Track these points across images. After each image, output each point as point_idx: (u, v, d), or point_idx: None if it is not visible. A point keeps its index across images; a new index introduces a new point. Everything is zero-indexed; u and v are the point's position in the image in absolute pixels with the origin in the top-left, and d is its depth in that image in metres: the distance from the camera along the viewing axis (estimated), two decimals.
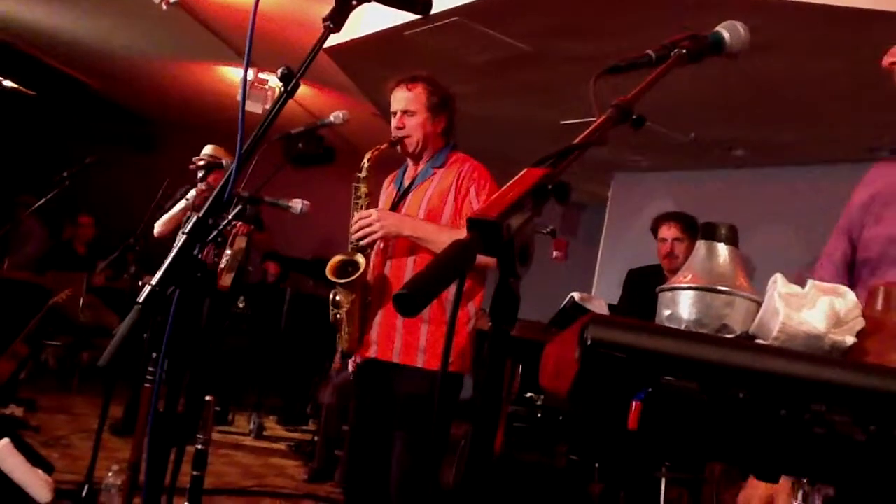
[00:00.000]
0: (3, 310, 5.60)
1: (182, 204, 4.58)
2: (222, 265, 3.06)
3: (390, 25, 4.55)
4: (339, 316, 2.78)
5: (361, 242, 2.72)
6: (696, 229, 4.17)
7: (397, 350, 2.72)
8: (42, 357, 6.87)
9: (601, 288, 7.27)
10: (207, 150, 4.70)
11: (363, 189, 2.81)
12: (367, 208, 2.78)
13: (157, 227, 4.62)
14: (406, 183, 2.90)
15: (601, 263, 7.59)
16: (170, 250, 1.30)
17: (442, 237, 2.64)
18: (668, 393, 0.94)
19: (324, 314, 2.84)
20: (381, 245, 2.83)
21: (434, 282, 0.83)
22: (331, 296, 2.80)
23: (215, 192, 1.38)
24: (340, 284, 2.70)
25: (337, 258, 2.74)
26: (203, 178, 4.61)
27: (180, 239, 1.33)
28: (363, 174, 2.80)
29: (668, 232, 4.18)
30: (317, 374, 6.58)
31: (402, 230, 2.71)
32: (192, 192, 4.55)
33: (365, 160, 2.80)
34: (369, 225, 2.68)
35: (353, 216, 2.76)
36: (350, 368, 3.00)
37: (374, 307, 2.81)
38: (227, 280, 3.08)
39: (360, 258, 2.70)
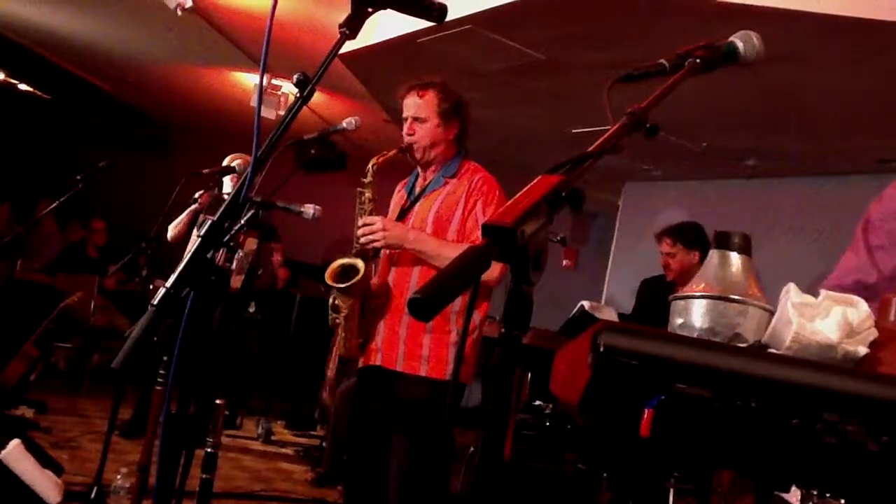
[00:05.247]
0: (14, 311, 5.63)
1: (191, 207, 4.63)
2: (232, 267, 3.07)
3: (404, 32, 4.57)
4: (337, 321, 2.78)
5: (363, 248, 2.73)
6: (688, 236, 4.16)
7: (400, 358, 2.73)
8: (52, 359, 6.89)
9: (611, 296, 7.26)
10: (228, 160, 4.75)
11: (367, 194, 2.80)
12: (372, 214, 2.78)
13: (170, 232, 4.66)
14: (417, 190, 2.89)
15: (611, 272, 7.58)
16: (181, 254, 1.31)
17: (444, 253, 2.65)
18: (680, 401, 0.94)
19: None
20: (388, 254, 2.84)
21: (448, 287, 0.84)
22: (330, 300, 2.79)
23: (230, 196, 1.39)
24: (338, 289, 2.70)
25: (337, 263, 2.74)
26: (216, 185, 4.66)
27: (195, 241, 1.34)
28: (368, 179, 2.80)
29: (662, 247, 4.24)
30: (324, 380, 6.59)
31: (404, 242, 2.71)
32: (200, 196, 4.60)
33: (370, 166, 2.79)
34: (372, 232, 2.69)
35: (358, 222, 2.77)
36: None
37: (377, 315, 2.81)
38: (236, 282, 3.09)
39: (360, 263, 2.69)
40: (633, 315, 4.57)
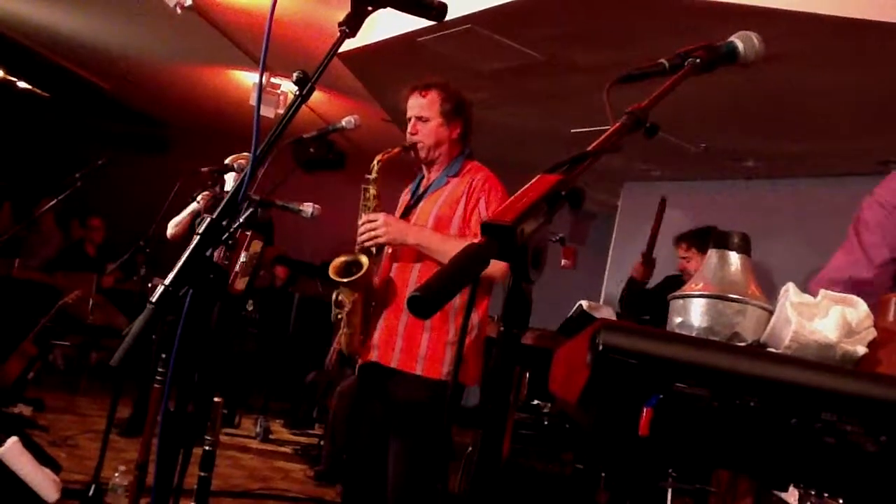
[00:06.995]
0: (13, 309, 5.63)
1: (192, 206, 4.61)
2: (237, 269, 3.06)
3: (403, 31, 4.57)
4: (340, 316, 2.78)
5: (366, 244, 2.73)
6: (702, 241, 4.20)
7: (397, 355, 2.72)
8: (50, 357, 6.90)
9: (610, 296, 7.26)
10: (230, 161, 4.74)
11: (372, 191, 2.80)
12: (375, 210, 2.79)
13: (170, 230, 4.65)
14: (421, 191, 2.90)
15: (610, 272, 7.58)
16: (181, 253, 1.30)
17: (446, 247, 2.64)
18: (679, 400, 0.94)
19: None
20: (390, 250, 2.84)
21: (448, 284, 0.84)
22: (333, 295, 2.79)
23: (229, 194, 1.38)
24: (343, 284, 2.70)
25: (341, 258, 2.74)
26: (216, 184, 4.65)
27: (193, 239, 1.33)
28: (372, 176, 2.79)
29: (678, 252, 4.30)
30: (322, 378, 6.59)
31: (406, 238, 2.71)
32: (202, 196, 4.58)
33: (375, 162, 2.79)
34: (375, 228, 2.69)
35: (361, 217, 2.77)
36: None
37: (377, 311, 2.81)
38: (241, 284, 3.09)
39: (364, 258, 2.69)
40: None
